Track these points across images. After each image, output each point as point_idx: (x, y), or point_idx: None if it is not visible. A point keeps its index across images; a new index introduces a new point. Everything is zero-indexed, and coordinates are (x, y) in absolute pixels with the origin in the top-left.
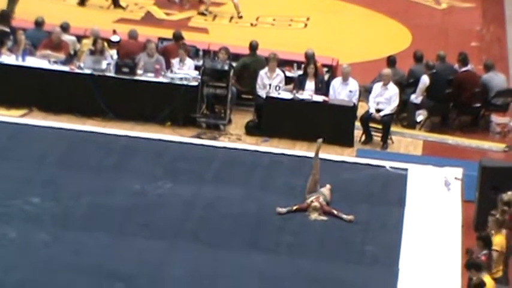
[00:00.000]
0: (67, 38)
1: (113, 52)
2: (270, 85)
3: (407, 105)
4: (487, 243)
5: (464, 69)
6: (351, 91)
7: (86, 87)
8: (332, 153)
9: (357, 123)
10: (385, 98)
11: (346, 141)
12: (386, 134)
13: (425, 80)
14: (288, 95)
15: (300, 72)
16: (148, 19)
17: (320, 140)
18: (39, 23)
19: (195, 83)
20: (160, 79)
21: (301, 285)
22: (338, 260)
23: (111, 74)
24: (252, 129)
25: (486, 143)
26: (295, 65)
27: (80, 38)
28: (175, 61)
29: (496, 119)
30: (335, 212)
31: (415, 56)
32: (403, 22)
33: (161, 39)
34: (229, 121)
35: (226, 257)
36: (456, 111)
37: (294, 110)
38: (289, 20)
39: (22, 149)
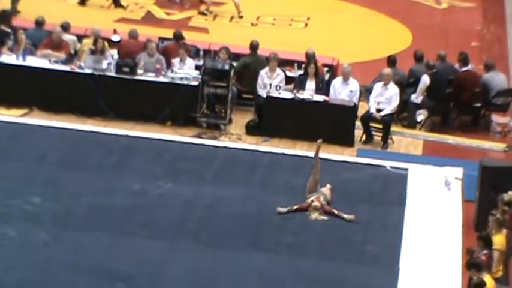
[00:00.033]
0: (67, 37)
1: (114, 52)
2: (270, 85)
3: (407, 105)
4: (487, 243)
5: (464, 69)
6: (351, 91)
7: (86, 87)
8: (332, 153)
9: (358, 123)
10: (385, 98)
11: (347, 141)
12: (386, 134)
13: (425, 79)
14: (288, 95)
15: (301, 72)
16: (149, 19)
17: (320, 140)
18: (39, 23)
19: (196, 83)
20: (161, 79)
21: (301, 285)
22: (338, 260)
23: (112, 73)
24: (252, 129)
25: (486, 143)
26: (295, 64)
27: (80, 38)
28: (175, 61)
29: (496, 118)
30: (335, 211)
31: (415, 55)
32: (404, 22)
33: (162, 39)
34: (230, 121)
35: (227, 257)
36: (456, 111)
37: (294, 110)
38: (290, 19)
39: (22, 148)
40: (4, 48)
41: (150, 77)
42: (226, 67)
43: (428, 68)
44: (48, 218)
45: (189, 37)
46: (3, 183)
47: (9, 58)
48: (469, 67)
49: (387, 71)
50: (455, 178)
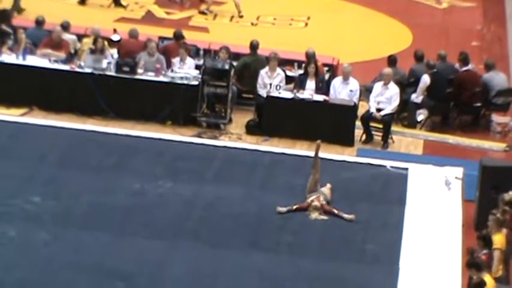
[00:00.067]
0: (67, 37)
1: (114, 51)
2: (270, 84)
3: (407, 104)
4: (487, 242)
5: (465, 68)
6: (351, 90)
7: (86, 86)
8: (332, 153)
9: (358, 123)
10: (385, 98)
11: (347, 140)
12: (386, 134)
13: (425, 79)
14: (288, 95)
15: (301, 71)
16: (149, 18)
17: (319, 141)
18: (39, 22)
19: (196, 82)
20: (161, 78)
21: (301, 284)
22: (338, 259)
23: (112, 73)
24: (252, 129)
25: (487, 143)
26: (295, 64)
27: (80, 37)
28: (175, 60)
29: (496, 118)
30: (335, 211)
31: (415, 55)
32: (404, 21)
33: (162, 39)
34: (230, 120)
35: (227, 257)
36: (457, 111)
37: (294, 110)
38: (290, 19)
39: (22, 148)
40: (4, 48)
41: (150, 76)
42: (227, 67)
43: (428, 67)
44: (49, 218)
45: (189, 36)
46: (3, 182)
47: (9, 57)
48: (469, 67)
49: (387, 70)
50: (456, 178)
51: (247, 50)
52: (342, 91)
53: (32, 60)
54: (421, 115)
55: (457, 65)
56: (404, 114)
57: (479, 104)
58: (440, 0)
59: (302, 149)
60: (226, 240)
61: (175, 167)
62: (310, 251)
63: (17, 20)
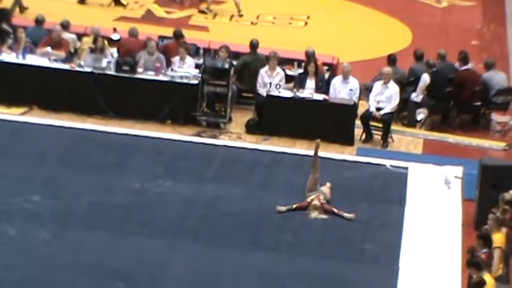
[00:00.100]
0: (67, 36)
1: (113, 50)
2: (270, 83)
3: (407, 103)
4: (487, 241)
5: (464, 67)
6: (351, 90)
7: (86, 86)
8: (332, 152)
9: (357, 122)
10: (385, 97)
11: (347, 139)
12: (386, 133)
13: (425, 78)
14: (288, 94)
15: (301, 70)
16: (149, 17)
17: (318, 140)
18: (39, 21)
19: (196, 82)
20: (161, 77)
21: (301, 283)
22: (338, 259)
23: (112, 72)
24: (252, 128)
25: (486, 142)
26: (295, 63)
27: (80, 36)
28: (175, 59)
29: (496, 117)
30: (335, 210)
31: (415, 54)
32: (404, 20)
33: (161, 38)
34: (230, 119)
35: (227, 256)
36: (456, 110)
37: (294, 109)
38: (290, 18)
39: (22, 147)
40: (4, 47)
41: (150, 75)
42: (226, 66)
43: (428, 66)
44: (48, 217)
45: (189, 36)
46: (3, 181)
47: (9, 56)
48: (469, 66)
49: (387, 69)
50: (455, 177)
51: (247, 49)
52: (342, 90)
53: (32, 60)
54: (421, 114)
55: (456, 64)
56: (404, 113)
57: (479, 103)
58: None
59: (302, 148)
60: (226, 239)
61: (175, 166)
62: (310, 250)
63: (16, 19)
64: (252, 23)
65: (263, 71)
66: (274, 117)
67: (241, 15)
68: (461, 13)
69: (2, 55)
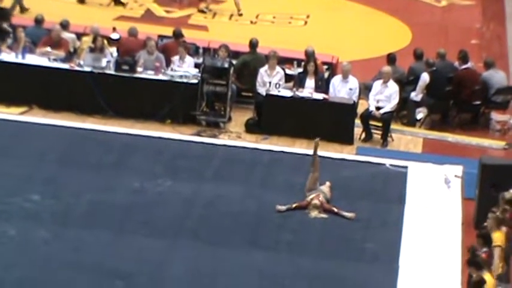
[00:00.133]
0: (67, 35)
1: (113, 50)
2: (270, 83)
3: (407, 102)
4: (487, 240)
5: (464, 66)
6: (350, 89)
7: (85, 85)
8: (332, 151)
9: (357, 121)
10: (385, 96)
11: (346, 138)
12: (386, 132)
13: (425, 77)
14: (288, 93)
15: (300, 70)
16: (148, 17)
17: (317, 139)
18: (38, 21)
19: (195, 81)
20: (160, 77)
21: (301, 283)
22: (338, 258)
23: (111, 71)
24: (251, 127)
25: (486, 141)
26: (295, 62)
27: (79, 36)
28: (175, 59)
29: (496, 116)
30: (336, 209)
31: (415, 53)
32: (403, 20)
33: (161, 37)
34: (229, 119)
35: (226, 255)
36: (456, 109)
37: (294, 108)
38: (289, 17)
39: (22, 146)
40: (3, 46)
41: (150, 75)
42: (226, 65)
43: (427, 66)
44: (48, 216)
45: (189, 35)
46: (2, 181)
47: (9, 56)
48: (469, 65)
49: (387, 69)
50: (455, 176)
51: (246, 49)
52: (342, 89)
53: (31, 59)
54: (421, 113)
55: (456, 63)
56: (404, 112)
57: (478, 102)
58: None
59: (301, 148)
60: (225, 239)
61: (175, 165)
62: (309, 250)
63: (16, 19)
64: (251, 22)
65: (263, 70)
66: (273, 117)
67: (240, 15)
68: (461, 12)
69: (1, 55)
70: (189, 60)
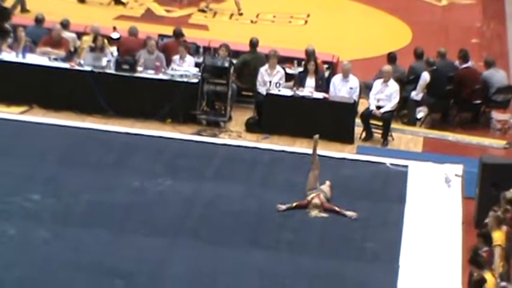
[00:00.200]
0: (67, 35)
1: (113, 49)
2: (270, 82)
3: (407, 102)
4: (487, 239)
5: (464, 66)
6: (351, 88)
7: (86, 84)
8: (332, 150)
9: (357, 120)
10: (385, 95)
11: (347, 138)
12: (386, 131)
13: (425, 76)
14: (288, 92)
15: (300, 69)
16: (149, 16)
17: (316, 136)
18: (39, 20)
19: (195, 80)
20: (161, 76)
21: (301, 282)
22: (338, 257)
23: (111, 71)
24: (252, 126)
25: (487, 140)
26: (295, 62)
27: (80, 35)
28: (175, 58)
29: (496, 115)
30: (336, 208)
31: (415, 52)
32: (404, 19)
33: (161, 36)
34: (230, 118)
35: (227, 255)
36: (457, 108)
37: (294, 107)
38: (290, 16)
39: (22, 146)
40: (4, 46)
41: (150, 74)
42: (226, 64)
43: (428, 65)
44: (48, 216)
45: (189, 34)
46: (2, 180)
47: (9, 55)
48: (469, 64)
49: (387, 68)
50: (455, 175)
51: (246, 48)
52: (342, 88)
53: (32, 59)
54: (421, 112)
55: (456, 62)
56: (404, 111)
57: (479, 101)
58: None
59: (302, 147)
60: (226, 238)
61: (175, 164)
62: (310, 249)
63: (16, 18)
64: (251, 21)
65: (263, 70)
66: (274, 116)
67: (241, 14)
68: (461, 11)
69: (2, 54)
70: (190, 60)
